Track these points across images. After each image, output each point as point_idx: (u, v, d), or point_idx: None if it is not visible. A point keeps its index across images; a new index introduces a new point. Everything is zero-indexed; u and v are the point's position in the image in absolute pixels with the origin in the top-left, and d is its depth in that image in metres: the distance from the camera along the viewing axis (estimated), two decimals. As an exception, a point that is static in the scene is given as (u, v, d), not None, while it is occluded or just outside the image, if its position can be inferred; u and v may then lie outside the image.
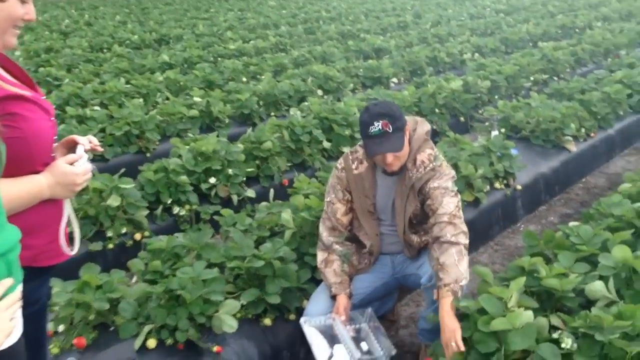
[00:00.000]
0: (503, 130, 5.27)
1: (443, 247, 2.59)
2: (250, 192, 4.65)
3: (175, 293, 2.65)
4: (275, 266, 2.91)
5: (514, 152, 4.45)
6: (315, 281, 3.05)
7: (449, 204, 2.67)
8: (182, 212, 4.25)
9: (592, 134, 5.55)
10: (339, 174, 2.90)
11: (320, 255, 2.93)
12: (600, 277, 2.59)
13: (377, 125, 2.59)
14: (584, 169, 5.39)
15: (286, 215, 3.25)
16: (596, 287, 2.53)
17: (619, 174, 5.52)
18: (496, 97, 7.04)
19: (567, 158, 5.13)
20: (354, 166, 2.86)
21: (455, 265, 2.53)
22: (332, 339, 2.70)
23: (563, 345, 2.23)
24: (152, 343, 2.60)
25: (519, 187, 4.48)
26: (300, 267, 3.05)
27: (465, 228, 2.65)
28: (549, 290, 2.58)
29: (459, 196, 2.75)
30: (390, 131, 2.61)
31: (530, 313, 2.29)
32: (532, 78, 7.84)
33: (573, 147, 5.20)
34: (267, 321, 2.87)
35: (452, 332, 2.35)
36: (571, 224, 3.40)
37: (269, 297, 2.85)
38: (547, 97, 5.93)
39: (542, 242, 3.05)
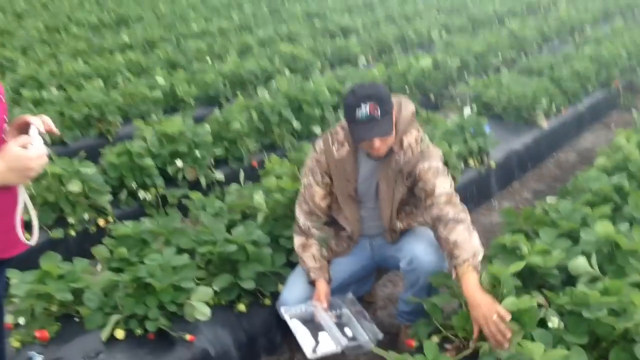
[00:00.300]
0: (474, 107, 5.20)
1: (449, 226, 2.46)
2: (219, 175, 4.49)
3: (143, 281, 2.51)
4: (248, 250, 2.78)
5: (487, 129, 4.39)
6: (291, 265, 2.93)
7: (444, 183, 2.57)
8: (148, 197, 4.08)
9: (562, 110, 5.53)
10: (318, 157, 2.77)
11: (298, 240, 2.81)
12: (583, 253, 2.54)
13: (364, 109, 2.44)
14: (555, 144, 5.37)
15: (258, 198, 3.12)
16: (579, 263, 2.47)
17: (589, 149, 5.53)
18: (466, 74, 6.98)
19: (538, 134, 5.11)
20: (334, 149, 2.72)
21: (468, 240, 2.42)
22: (314, 326, 2.60)
23: (550, 325, 2.17)
24: (120, 334, 2.47)
25: (492, 164, 4.42)
26: (275, 251, 2.93)
27: (463, 206, 2.57)
28: (532, 267, 2.51)
29: (449, 174, 2.66)
30: (378, 116, 2.46)
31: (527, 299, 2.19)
32: (500, 55, 7.80)
33: (544, 123, 5.17)
34: (242, 307, 2.75)
35: (490, 305, 2.18)
36: (548, 199, 3.35)
37: (243, 283, 2.73)
38: (517, 74, 5.89)
39: (521, 219, 2.99)
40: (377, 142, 2.51)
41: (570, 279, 2.52)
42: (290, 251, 2.99)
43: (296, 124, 5.15)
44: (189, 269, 2.63)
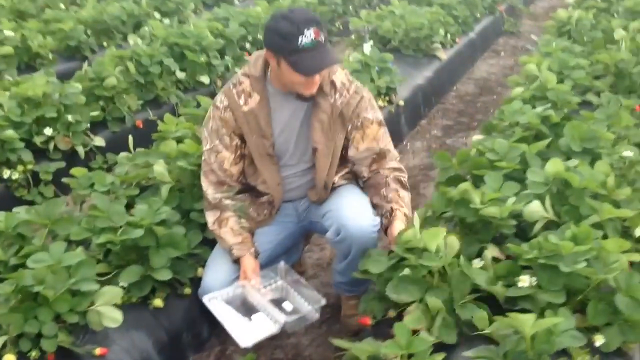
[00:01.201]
0: (371, 42, 4.88)
1: (399, 184, 2.36)
2: (99, 141, 3.89)
3: (31, 290, 1.99)
4: (158, 233, 2.33)
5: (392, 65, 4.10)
6: (208, 242, 2.51)
7: (384, 136, 2.37)
8: (15, 175, 3.42)
9: (457, 40, 5.36)
10: (222, 114, 2.32)
11: (211, 216, 2.38)
12: (535, 197, 2.32)
13: (309, 35, 2.06)
14: (454, 76, 5.23)
15: (159, 168, 2.63)
16: (534, 208, 2.25)
17: (485, 78, 5.44)
18: (350, 7, 6.63)
19: (439, 66, 4.92)
20: (241, 102, 2.29)
21: (410, 207, 2.31)
22: (248, 309, 2.22)
23: (521, 285, 1.93)
24: (10, 359, 1.96)
25: (401, 102, 4.16)
26: (188, 229, 2.49)
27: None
28: (485, 219, 2.26)
29: None
30: (323, 40, 2.11)
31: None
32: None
33: (443, 55, 4.98)
34: (158, 302, 2.31)
35: None
36: (475, 137, 3.12)
37: (157, 273, 2.29)
38: (407, 4, 5.61)
39: (456, 163, 2.73)
40: (317, 77, 2.17)
41: (520, 228, 2.31)
42: (205, 226, 2.56)
43: (180, 74, 4.60)
44: (87, 266, 2.13)
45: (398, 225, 2.18)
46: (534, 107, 3.16)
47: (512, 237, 2.28)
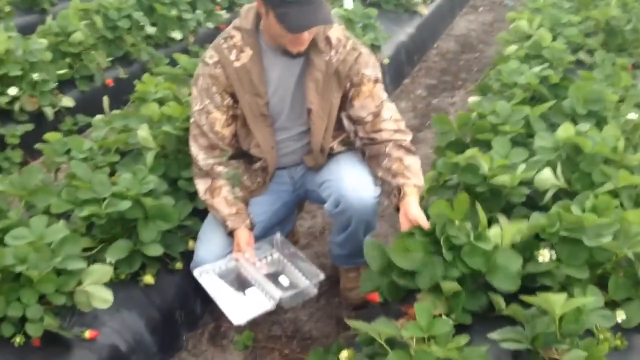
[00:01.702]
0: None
1: (401, 150, 2.16)
2: (67, 101, 3.66)
3: (13, 270, 1.82)
4: (146, 205, 2.15)
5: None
6: (198, 213, 2.36)
7: (389, 104, 2.23)
8: (-21, 139, 3.19)
9: (437, -6, 5.19)
10: (212, 71, 2.14)
11: (202, 184, 2.22)
12: (546, 163, 2.22)
13: None
14: (435, 33, 5.08)
15: (143, 133, 2.43)
16: (545, 176, 2.16)
17: (465, 35, 5.31)
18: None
19: (420, 22, 4.76)
20: (232, 57, 2.11)
21: (420, 172, 2.15)
22: (242, 284, 2.09)
23: (541, 260, 1.83)
24: (-9, 345, 1.80)
25: (386, 60, 4.00)
26: (176, 199, 2.32)
27: None
28: (495, 188, 2.16)
29: None
30: None
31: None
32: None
33: (424, 10, 4.81)
34: (148, 278, 2.16)
35: (422, 219, 1.94)
36: (471, 99, 3.00)
37: (147, 248, 2.13)
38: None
39: (456, 127, 2.61)
40: (307, 34, 1.99)
41: (527, 196, 2.21)
42: (194, 195, 2.40)
43: (151, 30, 4.34)
44: (72, 242, 1.95)
45: (412, 203, 2.00)
46: (529, 66, 3.05)
47: (519, 206, 2.19)
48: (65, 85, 3.75)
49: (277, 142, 2.25)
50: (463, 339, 1.59)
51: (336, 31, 2.14)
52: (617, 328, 1.73)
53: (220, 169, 2.20)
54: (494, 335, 1.63)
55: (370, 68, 2.17)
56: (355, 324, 1.69)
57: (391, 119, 2.18)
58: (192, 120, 2.21)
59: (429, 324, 1.63)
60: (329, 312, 2.37)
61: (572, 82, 2.89)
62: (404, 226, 1.97)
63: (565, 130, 2.25)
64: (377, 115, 2.14)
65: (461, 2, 5.85)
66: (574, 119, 2.58)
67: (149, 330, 2.07)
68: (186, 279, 2.23)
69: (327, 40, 2.11)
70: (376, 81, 2.17)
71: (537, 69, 2.97)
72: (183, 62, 3.19)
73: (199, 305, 2.33)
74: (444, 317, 1.72)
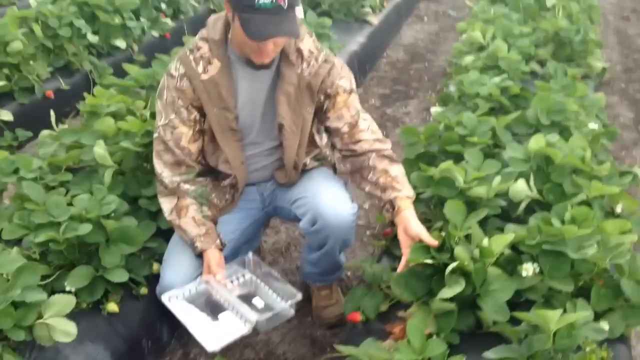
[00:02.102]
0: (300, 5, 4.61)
1: (385, 160, 2.06)
2: (6, 114, 3.44)
3: (-36, 306, 1.65)
4: (107, 227, 2.01)
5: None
6: (162, 234, 2.23)
7: (355, 104, 2.10)
8: None
9: (384, 3, 5.19)
10: (177, 84, 2.02)
11: (167, 203, 2.09)
12: (519, 175, 2.21)
13: None
14: (384, 42, 5.08)
15: (100, 149, 2.28)
16: (520, 187, 2.16)
17: (413, 44, 5.34)
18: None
19: (371, 32, 4.74)
20: (199, 69, 2.00)
21: (406, 180, 2.05)
22: (214, 308, 1.98)
23: (525, 274, 1.81)
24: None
25: (340, 70, 3.94)
26: (138, 220, 2.18)
27: None
28: (470, 199, 2.13)
29: None
30: (286, 6, 1.80)
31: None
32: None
33: (374, 20, 4.80)
34: (112, 306, 2.01)
35: (425, 235, 1.88)
36: (435, 109, 3.00)
37: (110, 274, 1.98)
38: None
39: (424, 139, 2.58)
40: (271, 45, 1.87)
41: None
42: (156, 215, 2.28)
43: (93, 38, 4.14)
44: (30, 271, 1.79)
45: (411, 218, 1.92)
46: (487, 77, 3.07)
47: (493, 218, 2.17)
48: (3, 98, 3.52)
49: (246, 157, 2.15)
50: (460, 358, 1.55)
51: (307, 43, 2.06)
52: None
53: (186, 186, 2.09)
54: (489, 354, 1.58)
55: (345, 79, 2.09)
56: (345, 348, 1.62)
57: (369, 129, 2.10)
58: (155, 135, 2.09)
59: (422, 346, 1.58)
60: (302, 332, 2.28)
61: (531, 93, 2.93)
62: (405, 243, 1.89)
63: (537, 142, 2.25)
64: (353, 125, 2.07)
65: (407, 12, 5.89)
66: (538, 129, 2.60)
67: (115, 361, 1.93)
68: (152, 304, 2.09)
69: (299, 52, 2.03)
70: (351, 92, 2.09)
71: (496, 79, 2.99)
72: (134, 73, 3.05)
73: (165, 332, 2.20)
74: (434, 337, 1.67)
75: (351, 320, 1.93)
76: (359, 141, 2.07)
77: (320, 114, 2.10)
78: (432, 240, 1.84)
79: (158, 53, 3.26)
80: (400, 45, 5.29)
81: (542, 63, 3.62)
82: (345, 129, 2.07)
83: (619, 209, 2.19)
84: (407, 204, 1.95)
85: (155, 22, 4.80)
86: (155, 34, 4.76)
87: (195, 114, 2.05)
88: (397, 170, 2.04)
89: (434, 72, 4.69)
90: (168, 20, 4.96)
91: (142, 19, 4.64)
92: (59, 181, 2.34)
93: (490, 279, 1.77)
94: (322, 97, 2.07)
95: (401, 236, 1.91)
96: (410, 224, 1.89)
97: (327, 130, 2.13)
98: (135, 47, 4.50)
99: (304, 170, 2.20)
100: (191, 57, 2.01)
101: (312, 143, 2.20)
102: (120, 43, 4.31)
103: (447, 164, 2.18)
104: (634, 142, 3.66)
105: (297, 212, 2.13)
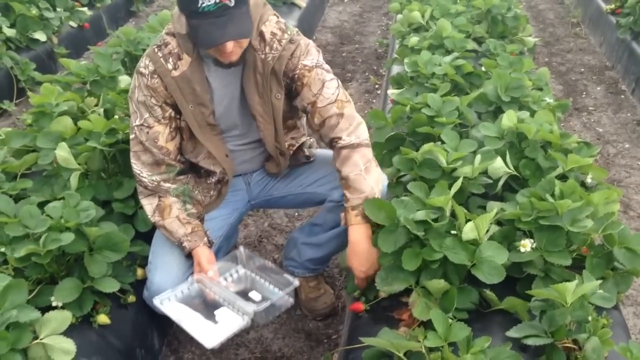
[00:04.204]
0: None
1: (342, 154, 1.94)
2: None
3: (-48, 335, 1.49)
4: (90, 235, 1.88)
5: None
6: (141, 236, 2.12)
7: (330, 87, 1.97)
8: None
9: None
10: (148, 82, 1.90)
11: (149, 204, 2.00)
12: (495, 152, 2.26)
13: None
14: (312, 25, 5.03)
15: (63, 152, 2.12)
16: (498, 165, 2.21)
17: (339, 26, 5.34)
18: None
19: (300, 15, 4.67)
20: (169, 66, 1.89)
21: (362, 176, 1.92)
22: (209, 306, 1.91)
23: (523, 250, 1.86)
24: None
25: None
26: (115, 224, 2.06)
27: (359, 117, 2.02)
28: (454, 180, 2.16)
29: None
30: (232, 4, 1.70)
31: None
32: None
33: (303, 3, 4.74)
34: (103, 318, 1.88)
35: (373, 264, 1.89)
36: (392, 92, 3.01)
37: (100, 284, 1.86)
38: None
39: (391, 121, 2.59)
40: (229, 45, 1.77)
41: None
42: (132, 218, 2.16)
43: (10, 31, 3.84)
44: (17, 289, 1.65)
45: (355, 243, 1.89)
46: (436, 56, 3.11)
47: (473, 197, 2.22)
48: None
49: (232, 151, 2.07)
50: (484, 341, 1.57)
51: (271, 25, 1.93)
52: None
53: (167, 185, 1.99)
54: (511, 333, 1.61)
55: (309, 57, 1.97)
56: (370, 340, 1.60)
57: (332, 105, 1.97)
58: (132, 136, 1.97)
59: (446, 331, 1.59)
60: (294, 326, 2.25)
61: (483, 72, 3.01)
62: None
63: (509, 119, 2.31)
64: (314, 104, 1.96)
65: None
66: (498, 107, 2.68)
67: (112, 377, 1.82)
68: (140, 312, 1.99)
69: (261, 36, 1.91)
70: (313, 67, 1.96)
71: (447, 58, 3.04)
72: (73, 68, 2.86)
73: (156, 339, 2.09)
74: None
75: (354, 311, 1.92)
76: (322, 124, 1.98)
77: (291, 97, 2.02)
78: (360, 282, 1.89)
79: (78, 44, 3.07)
80: (327, 27, 5.27)
81: (477, 41, 3.72)
82: (309, 108, 1.99)
83: (589, 179, 2.29)
84: (353, 217, 1.89)
85: (72, 12, 4.52)
86: (73, 24, 4.48)
87: (169, 111, 1.94)
88: (350, 168, 1.93)
89: (366, 53, 4.71)
90: (85, 10, 4.67)
91: (58, 9, 4.34)
92: (18, 189, 2.16)
93: (483, 248, 1.81)
94: (288, 81, 1.97)
95: (356, 247, 1.90)
96: (353, 252, 1.90)
97: (304, 111, 2.05)
98: (55, 40, 4.22)
99: (308, 156, 2.17)
100: (160, 54, 1.90)
101: (293, 127, 2.15)
102: (40, 35, 4.03)
103: (429, 146, 2.20)
104: (569, 113, 3.85)
105: (320, 191, 2.12)
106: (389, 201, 1.91)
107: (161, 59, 1.90)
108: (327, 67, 2.02)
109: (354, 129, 1.97)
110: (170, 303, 1.90)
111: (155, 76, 1.90)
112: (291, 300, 1.97)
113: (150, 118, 1.93)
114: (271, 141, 2.05)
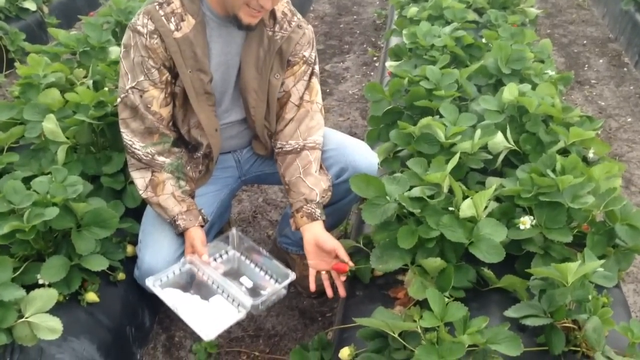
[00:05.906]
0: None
1: (287, 160, 1.97)
2: None
3: None
4: (77, 211, 1.83)
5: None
6: (130, 213, 2.06)
7: (309, 90, 2.01)
8: None
9: (307, -45, 5.02)
10: (147, 42, 1.81)
11: (140, 178, 1.92)
12: (495, 126, 2.20)
13: None
14: (310, -5, 4.91)
15: (51, 125, 2.06)
16: (499, 139, 2.15)
17: (336, -3, 5.21)
18: None
19: (298, -15, 4.55)
20: (172, 26, 1.81)
21: (301, 179, 1.92)
22: (204, 290, 1.87)
23: (522, 227, 1.81)
24: None
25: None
26: (105, 200, 2.00)
27: (321, 123, 2.03)
28: (452, 154, 2.10)
29: None
30: None
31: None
32: None
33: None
34: (92, 296, 1.84)
35: (327, 262, 1.88)
36: (390, 64, 2.93)
37: (88, 262, 1.81)
38: None
39: (389, 94, 2.52)
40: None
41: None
42: (121, 193, 2.11)
43: (-1, 0, 3.74)
44: (2, 267, 1.61)
45: (320, 232, 1.86)
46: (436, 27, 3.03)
47: (472, 172, 2.16)
48: None
49: (220, 125, 2.00)
50: (482, 321, 1.52)
51: (282, 5, 1.92)
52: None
53: (162, 159, 1.92)
54: (510, 313, 1.57)
55: (310, 50, 1.98)
56: (364, 320, 1.56)
57: (297, 108, 2.00)
58: (119, 100, 1.89)
59: (442, 311, 1.54)
60: (288, 304, 2.21)
61: (483, 43, 2.93)
62: (312, 256, 1.89)
63: (510, 92, 2.25)
64: (289, 95, 1.97)
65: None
66: (499, 79, 2.61)
67: (103, 356, 1.77)
68: (130, 290, 1.95)
69: (272, 14, 1.89)
70: (309, 63, 1.98)
71: (447, 29, 2.96)
72: (62, 38, 2.78)
73: (147, 317, 2.05)
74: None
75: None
76: (281, 120, 2.01)
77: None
78: (347, 257, 1.84)
79: (70, 14, 2.99)
80: (323, -3, 5.17)
81: (478, 11, 3.63)
82: (283, 99, 1.99)
83: (591, 154, 2.23)
84: (299, 219, 1.89)
85: (62, -21, 4.41)
86: (63, -8, 4.37)
87: (167, 75, 1.87)
88: (293, 173, 1.94)
89: (364, 25, 4.62)
90: (76, -22, 4.56)
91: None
92: (4, 163, 2.11)
93: (481, 225, 1.76)
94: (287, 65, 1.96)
95: (309, 247, 1.87)
96: (324, 239, 1.85)
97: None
98: (46, 9, 4.12)
99: None
100: (161, 12, 1.82)
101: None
102: (30, 5, 3.92)
103: (427, 120, 2.13)
104: (571, 86, 3.78)
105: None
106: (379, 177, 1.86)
107: (162, 17, 1.81)
108: (317, 70, 2.04)
109: (306, 133, 1.97)
110: (165, 287, 1.85)
111: (155, 36, 1.81)
112: (284, 291, 1.93)
113: (146, 81, 1.84)
114: (260, 119, 1.98)
